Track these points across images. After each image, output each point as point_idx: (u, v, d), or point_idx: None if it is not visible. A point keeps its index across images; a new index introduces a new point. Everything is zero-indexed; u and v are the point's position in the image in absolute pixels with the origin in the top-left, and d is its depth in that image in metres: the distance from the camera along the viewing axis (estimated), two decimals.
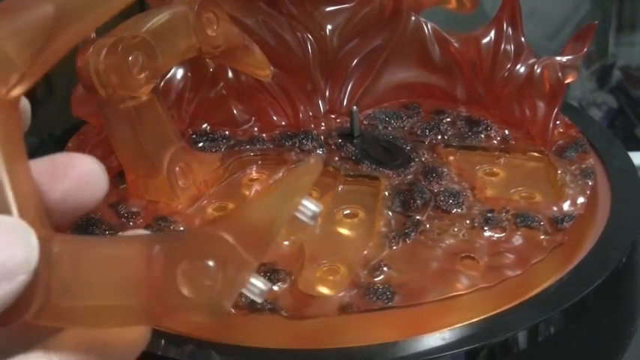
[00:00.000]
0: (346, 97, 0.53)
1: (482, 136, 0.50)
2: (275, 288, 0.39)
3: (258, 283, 0.25)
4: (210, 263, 0.24)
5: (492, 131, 0.50)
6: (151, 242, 0.25)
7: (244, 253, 0.25)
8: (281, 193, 0.26)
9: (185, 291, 0.24)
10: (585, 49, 0.48)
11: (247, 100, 0.51)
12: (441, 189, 0.45)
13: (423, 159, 0.48)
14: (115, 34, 0.40)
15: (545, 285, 0.40)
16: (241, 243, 0.25)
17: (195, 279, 0.24)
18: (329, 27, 0.52)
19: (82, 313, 0.25)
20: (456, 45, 0.53)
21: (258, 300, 0.25)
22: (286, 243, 0.42)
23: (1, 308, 0.24)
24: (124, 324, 0.26)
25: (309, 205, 0.26)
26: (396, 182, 0.46)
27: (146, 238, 0.27)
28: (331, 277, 0.40)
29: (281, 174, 0.47)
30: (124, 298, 0.25)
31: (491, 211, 0.43)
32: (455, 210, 0.44)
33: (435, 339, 0.37)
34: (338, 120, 0.52)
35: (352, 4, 0.52)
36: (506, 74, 0.51)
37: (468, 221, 0.43)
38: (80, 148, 0.48)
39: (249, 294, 0.25)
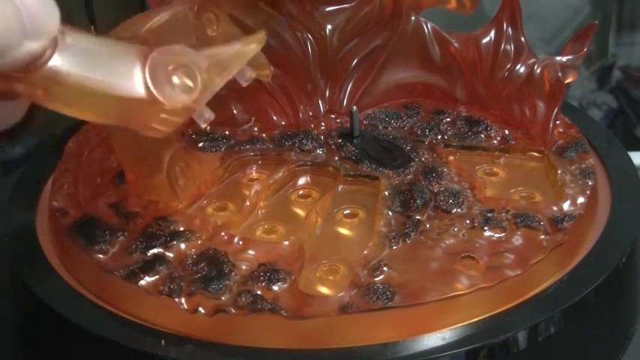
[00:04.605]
0: (346, 97, 0.53)
1: (483, 136, 0.50)
2: (275, 288, 0.39)
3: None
4: (195, 71, 0.35)
5: (492, 131, 0.50)
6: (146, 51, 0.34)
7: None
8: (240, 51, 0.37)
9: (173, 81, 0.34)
10: (585, 49, 0.48)
11: (247, 100, 0.51)
12: (441, 189, 0.45)
13: (423, 159, 0.48)
14: (115, 34, 0.40)
15: (545, 285, 0.40)
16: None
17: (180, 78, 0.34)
18: (329, 27, 0.51)
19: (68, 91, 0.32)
20: (456, 45, 0.53)
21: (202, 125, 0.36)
22: (286, 243, 0.42)
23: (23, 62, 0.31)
24: (104, 113, 0.34)
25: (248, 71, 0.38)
26: (396, 182, 0.46)
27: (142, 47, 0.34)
28: (331, 277, 0.40)
29: (281, 174, 0.47)
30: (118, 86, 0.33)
31: (491, 211, 0.43)
32: (455, 210, 0.44)
33: (435, 339, 0.37)
34: (338, 120, 0.52)
35: (352, 4, 0.52)
36: (506, 74, 0.51)
37: (468, 221, 0.43)
38: (80, 148, 0.48)
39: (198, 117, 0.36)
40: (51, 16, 0.32)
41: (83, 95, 0.33)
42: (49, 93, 0.33)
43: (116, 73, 0.33)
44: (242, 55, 0.37)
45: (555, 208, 0.43)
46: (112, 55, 0.34)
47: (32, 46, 0.31)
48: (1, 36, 0.30)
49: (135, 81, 0.33)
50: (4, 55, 0.31)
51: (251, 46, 0.37)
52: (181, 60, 0.34)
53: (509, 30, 0.51)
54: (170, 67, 0.34)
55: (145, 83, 0.33)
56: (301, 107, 0.52)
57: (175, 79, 0.34)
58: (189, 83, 0.34)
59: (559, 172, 0.46)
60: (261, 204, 0.45)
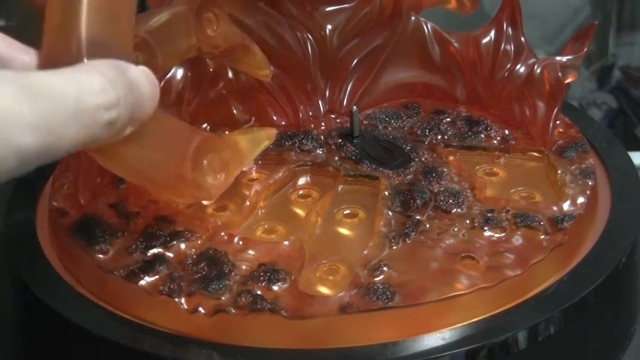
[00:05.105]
0: (346, 97, 0.53)
1: (483, 136, 0.50)
2: (275, 288, 0.39)
3: None
4: (225, 163, 0.38)
5: (492, 131, 0.50)
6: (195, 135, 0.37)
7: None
8: (254, 140, 0.41)
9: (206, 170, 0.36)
10: (585, 49, 0.48)
11: (247, 100, 0.51)
12: (441, 189, 0.45)
13: (423, 159, 0.48)
14: None
15: (545, 285, 0.40)
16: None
17: (212, 166, 0.37)
18: (329, 27, 0.52)
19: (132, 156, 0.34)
20: (456, 45, 0.53)
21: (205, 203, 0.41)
22: (286, 243, 0.42)
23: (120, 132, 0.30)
24: (154, 182, 0.37)
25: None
26: (396, 182, 0.46)
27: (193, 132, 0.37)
28: (331, 277, 0.40)
29: (281, 174, 0.47)
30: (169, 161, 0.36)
31: (491, 211, 0.43)
32: (455, 210, 0.44)
33: (435, 339, 0.37)
34: (338, 120, 0.52)
35: (352, 4, 0.52)
36: (506, 74, 0.51)
37: (467, 221, 0.43)
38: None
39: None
40: (155, 102, 0.31)
41: (127, 162, 0.34)
42: (100, 152, 0.33)
43: (164, 154, 0.35)
44: (257, 149, 0.41)
45: (555, 208, 0.43)
46: (168, 132, 0.36)
47: (128, 131, 0.31)
48: (117, 125, 0.29)
49: (177, 160, 0.35)
50: (106, 139, 0.29)
51: (265, 143, 0.41)
52: (218, 150, 0.37)
53: (509, 30, 0.51)
54: (209, 156, 0.36)
55: (186, 163, 0.35)
56: (301, 107, 0.52)
57: (209, 167, 0.37)
58: (218, 173, 0.38)
59: (559, 172, 0.46)
60: (261, 204, 0.45)
